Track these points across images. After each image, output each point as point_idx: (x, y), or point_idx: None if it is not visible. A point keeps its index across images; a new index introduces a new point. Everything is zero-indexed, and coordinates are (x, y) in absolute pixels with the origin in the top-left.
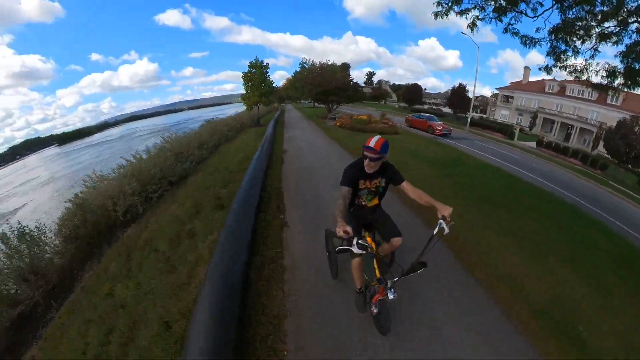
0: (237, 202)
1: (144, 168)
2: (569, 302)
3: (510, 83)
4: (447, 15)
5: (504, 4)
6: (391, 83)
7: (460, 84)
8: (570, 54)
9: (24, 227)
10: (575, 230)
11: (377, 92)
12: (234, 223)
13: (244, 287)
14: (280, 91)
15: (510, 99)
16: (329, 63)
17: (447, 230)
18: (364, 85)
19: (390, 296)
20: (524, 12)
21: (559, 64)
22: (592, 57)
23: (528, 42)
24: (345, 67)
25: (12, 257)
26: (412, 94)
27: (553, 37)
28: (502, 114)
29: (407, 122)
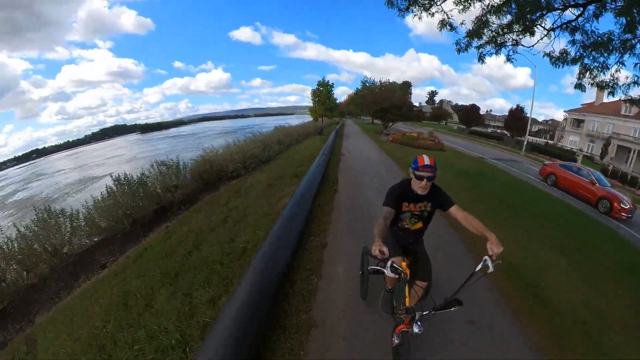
0: (306, 177)
1: (244, 147)
2: None
3: (582, 105)
4: (467, 51)
5: (499, 39)
6: (453, 103)
7: (517, 106)
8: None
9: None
10: None
11: (438, 112)
12: (303, 189)
13: (305, 223)
14: (341, 106)
15: (581, 123)
16: (389, 82)
17: (491, 268)
18: (425, 104)
19: (416, 329)
20: (519, 42)
21: (589, 79)
22: (617, 70)
23: (558, 62)
24: (406, 85)
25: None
26: (469, 115)
27: (583, 52)
28: (571, 140)
29: (545, 173)
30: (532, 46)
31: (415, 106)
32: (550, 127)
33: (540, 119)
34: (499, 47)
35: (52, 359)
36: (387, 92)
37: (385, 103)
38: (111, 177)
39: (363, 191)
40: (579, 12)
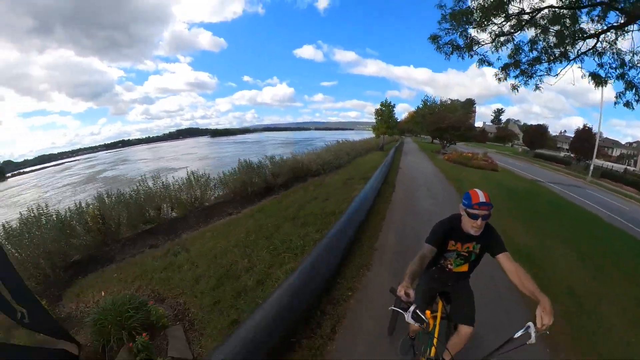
0: (372, 179)
1: (322, 155)
2: None
3: None
4: (506, 79)
5: (528, 68)
6: (521, 123)
7: (585, 126)
8: None
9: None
10: None
11: (502, 133)
12: (367, 190)
13: (372, 205)
14: (401, 124)
15: None
16: (450, 101)
17: (533, 339)
18: (489, 124)
19: None
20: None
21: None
22: None
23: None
24: (469, 103)
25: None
26: (532, 136)
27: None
28: None
29: None
30: (557, 75)
31: (475, 127)
32: (635, 152)
33: (625, 140)
34: (528, 77)
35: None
36: (445, 112)
37: (443, 123)
38: (239, 160)
39: (414, 190)
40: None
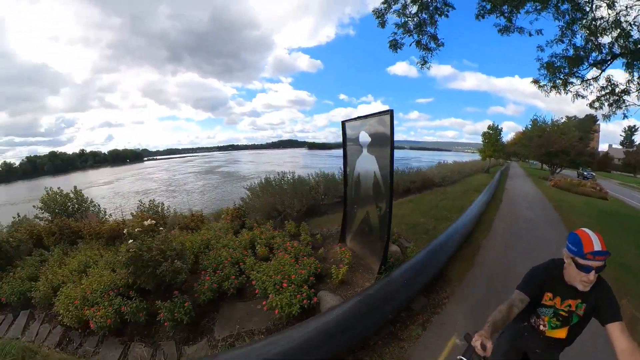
0: (483, 193)
1: (441, 170)
2: None
3: None
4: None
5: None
6: None
7: None
8: None
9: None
10: None
11: (633, 159)
12: (481, 197)
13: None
14: (507, 146)
15: None
16: (565, 119)
17: None
18: (618, 146)
19: None
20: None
21: None
22: None
23: None
24: (590, 121)
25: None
26: None
27: None
28: None
29: None
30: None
31: (592, 150)
32: None
33: None
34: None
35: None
36: (552, 136)
37: (552, 147)
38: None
39: (517, 204)
40: None
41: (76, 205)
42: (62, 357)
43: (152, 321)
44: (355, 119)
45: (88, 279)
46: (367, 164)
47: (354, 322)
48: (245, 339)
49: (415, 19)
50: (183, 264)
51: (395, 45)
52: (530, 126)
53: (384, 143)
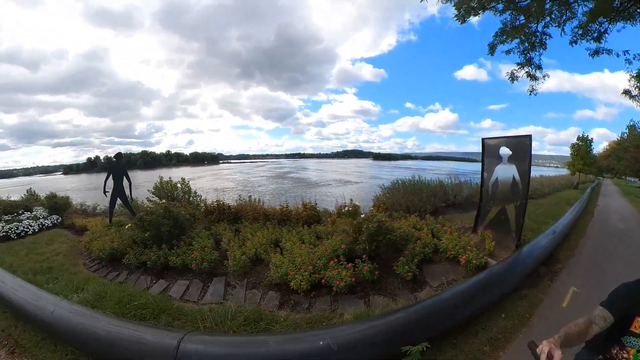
0: (575, 205)
1: (534, 183)
2: None
3: None
4: None
5: None
6: None
7: None
8: None
9: None
10: None
11: None
12: (575, 208)
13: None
14: (599, 159)
15: None
16: None
17: None
18: None
19: None
20: None
21: None
22: None
23: None
24: None
25: None
26: None
27: None
28: None
29: None
30: None
31: None
32: None
33: None
34: None
35: None
36: None
37: None
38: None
39: (608, 219)
40: None
41: (181, 193)
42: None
43: (377, 279)
44: (495, 137)
45: (313, 249)
46: (506, 171)
47: (507, 277)
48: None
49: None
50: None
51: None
52: (626, 134)
53: (523, 157)
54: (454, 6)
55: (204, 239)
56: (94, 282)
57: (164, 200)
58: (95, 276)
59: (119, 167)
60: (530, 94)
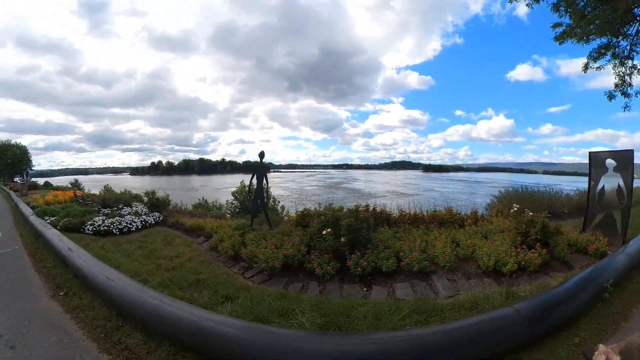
0: None
1: None
2: None
3: None
4: None
5: None
6: None
7: None
8: None
9: None
10: None
11: None
12: None
13: None
14: None
15: None
16: None
17: None
18: None
19: None
20: None
21: None
22: None
23: None
24: None
25: None
26: None
27: None
28: None
29: None
30: None
31: None
32: None
33: None
34: None
35: None
36: None
37: None
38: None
39: None
40: None
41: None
42: None
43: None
44: (602, 152)
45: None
46: (612, 180)
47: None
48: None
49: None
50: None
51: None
52: None
53: (627, 167)
54: None
55: (395, 241)
56: (297, 300)
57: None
58: (280, 291)
59: (262, 166)
60: (624, 110)
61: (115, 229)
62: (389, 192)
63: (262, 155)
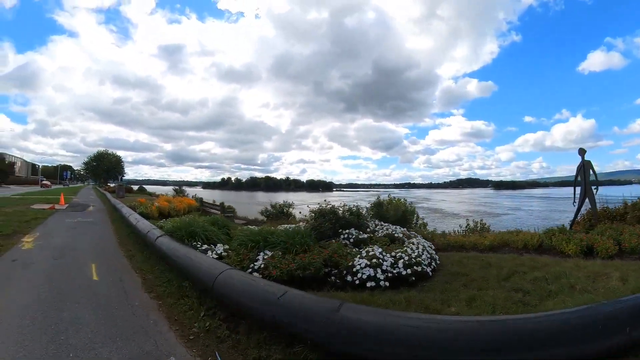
0: None
1: None
2: None
3: None
4: None
5: None
6: None
7: None
8: None
9: None
10: None
11: None
12: None
13: None
14: None
15: None
16: None
17: None
18: None
19: None
20: None
21: None
22: None
23: None
24: None
25: None
26: None
27: None
28: None
29: None
30: None
31: None
32: None
33: None
34: None
35: None
36: None
37: None
38: None
39: None
40: None
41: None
42: None
43: None
44: None
45: None
46: None
47: None
48: None
49: None
50: None
51: None
52: None
53: None
54: None
55: None
56: None
57: None
58: None
59: (586, 162)
60: None
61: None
62: (471, 212)
63: (582, 152)
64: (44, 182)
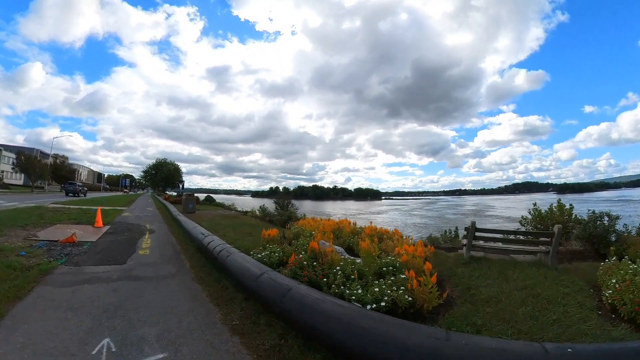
0: None
1: None
2: None
3: None
4: None
5: None
6: None
7: None
8: None
9: None
10: None
11: None
12: None
13: None
14: None
15: None
16: None
17: None
18: None
19: None
20: None
21: None
22: None
23: None
24: None
25: None
26: None
27: None
28: None
29: None
30: None
31: None
32: None
33: None
34: None
35: None
36: None
37: None
38: None
39: None
40: None
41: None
42: None
43: None
44: None
45: None
46: None
47: None
48: None
49: None
50: None
51: None
52: None
53: None
54: None
55: None
56: None
57: None
58: None
59: None
60: None
61: None
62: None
63: None
64: (125, 189)
